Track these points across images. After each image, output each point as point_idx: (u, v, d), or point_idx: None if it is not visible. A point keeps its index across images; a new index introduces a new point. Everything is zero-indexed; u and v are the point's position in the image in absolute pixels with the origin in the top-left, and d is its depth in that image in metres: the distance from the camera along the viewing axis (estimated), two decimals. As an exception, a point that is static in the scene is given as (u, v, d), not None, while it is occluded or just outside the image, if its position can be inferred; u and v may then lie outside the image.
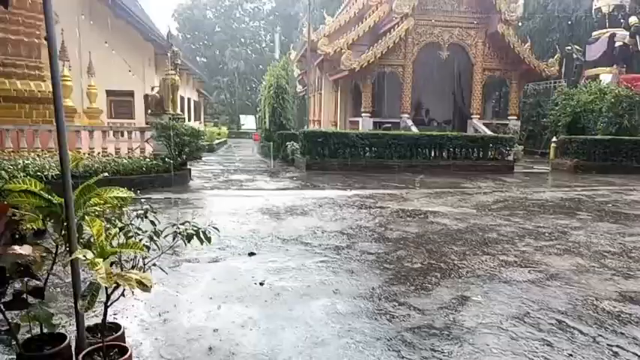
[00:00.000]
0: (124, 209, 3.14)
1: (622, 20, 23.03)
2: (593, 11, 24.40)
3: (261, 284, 4.05)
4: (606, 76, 22.03)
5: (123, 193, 3.39)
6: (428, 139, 13.98)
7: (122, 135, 10.58)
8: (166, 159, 9.58)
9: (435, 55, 20.26)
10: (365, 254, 5.09)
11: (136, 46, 18.26)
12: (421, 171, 13.21)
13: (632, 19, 22.65)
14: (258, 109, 49.39)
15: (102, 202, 3.26)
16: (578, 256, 5.20)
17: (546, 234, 6.27)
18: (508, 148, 14.40)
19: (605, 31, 23.18)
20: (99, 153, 9.93)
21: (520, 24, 23.84)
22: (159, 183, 9.11)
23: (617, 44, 22.38)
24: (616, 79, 21.57)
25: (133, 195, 3.33)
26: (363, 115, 20.27)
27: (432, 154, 14.15)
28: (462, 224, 6.82)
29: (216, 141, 25.05)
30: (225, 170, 13.38)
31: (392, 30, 19.60)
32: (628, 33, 22.36)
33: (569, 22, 28.50)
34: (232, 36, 57.35)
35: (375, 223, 6.74)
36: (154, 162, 9.44)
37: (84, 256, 2.16)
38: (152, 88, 12.16)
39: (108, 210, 3.21)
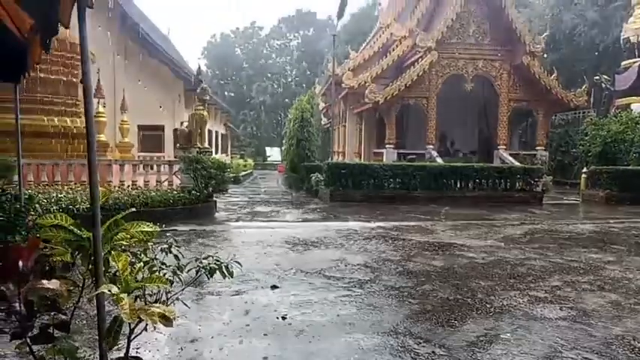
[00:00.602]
0: (149, 243, 3.22)
1: (651, 49, 22.66)
2: (621, 41, 24.11)
3: (284, 318, 4.02)
4: (637, 106, 21.55)
5: (149, 227, 3.48)
6: (453, 170, 13.86)
7: (151, 168, 10.89)
8: (193, 191, 9.77)
9: (459, 87, 20.29)
10: (389, 289, 5.01)
11: (167, 82, 19.02)
12: (446, 202, 13.02)
13: (662, 48, 22.29)
14: (283, 141, 50.30)
15: (128, 236, 3.36)
16: (612, 292, 4.99)
17: (579, 268, 6.05)
18: (536, 179, 14.10)
19: (634, 60, 22.83)
20: (129, 186, 10.22)
21: (545, 55, 23.72)
22: (185, 215, 9.27)
23: (647, 73, 21.94)
24: (648, 108, 21.07)
25: (158, 229, 3.41)
26: (387, 146, 20.29)
27: (458, 185, 13.98)
28: (489, 258, 6.66)
29: (242, 173, 25.43)
30: (250, 202, 13.53)
31: (416, 63, 19.81)
32: (659, 62, 21.95)
33: (597, 52, 28.23)
34: (259, 71, 59.01)
35: (400, 256, 6.65)
36: (181, 194, 9.65)
37: (109, 290, 2.21)
38: (181, 123, 12.57)
39: (134, 244, 3.30)
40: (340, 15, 15.72)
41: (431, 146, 20.23)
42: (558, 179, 20.68)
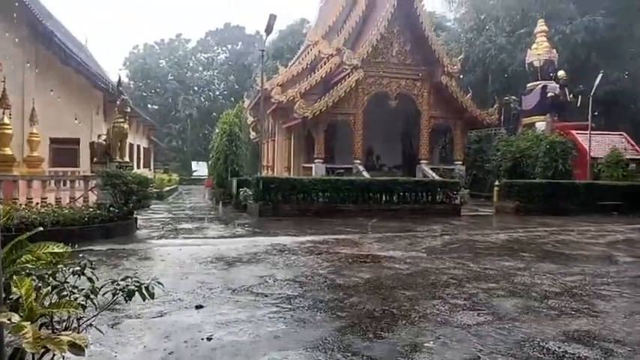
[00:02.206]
0: (59, 265, 2.97)
1: (552, 74, 25.09)
2: (526, 65, 26.47)
3: (209, 339, 3.87)
4: (541, 124, 23.70)
5: (58, 248, 3.21)
6: (379, 184, 14.31)
7: (64, 184, 10.12)
8: (111, 208, 9.21)
9: (384, 104, 21.14)
10: (318, 302, 5.01)
11: (85, 93, 17.90)
12: (373, 215, 13.39)
13: (561, 73, 24.79)
14: (210, 155, 49.16)
15: (34, 258, 3.07)
16: (523, 297, 5.36)
17: (494, 276, 6.44)
18: (455, 192, 14.94)
19: (537, 83, 25.14)
20: (37, 203, 9.40)
21: (461, 76, 25.40)
22: (103, 234, 8.68)
23: (549, 95, 24.24)
24: (550, 127, 23.23)
25: (69, 250, 3.15)
26: (316, 161, 20.56)
27: (384, 198, 14.44)
28: (413, 268, 6.91)
29: (166, 188, 24.44)
30: (175, 218, 13.01)
31: (343, 80, 20.36)
32: (558, 85, 24.35)
33: (506, 75, 30.74)
34: (185, 84, 57.51)
35: (328, 270, 6.69)
36: (98, 212, 9.04)
37: (9, 319, 1.99)
38: (99, 136, 11.85)
39: (41, 267, 3.03)
40: (269, 31, 15.77)
41: (358, 161, 20.79)
42: (474, 192, 22.05)
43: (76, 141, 17.82)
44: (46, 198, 9.79)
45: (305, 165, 22.42)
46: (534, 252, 8.31)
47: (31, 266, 3.00)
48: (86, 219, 8.58)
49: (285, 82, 22.84)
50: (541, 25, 26.62)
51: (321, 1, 32.75)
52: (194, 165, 50.78)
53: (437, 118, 21.94)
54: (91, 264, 2.99)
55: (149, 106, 55.42)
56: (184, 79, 58.33)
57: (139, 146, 27.37)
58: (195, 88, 58.90)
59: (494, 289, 5.73)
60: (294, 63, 28.00)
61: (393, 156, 23.91)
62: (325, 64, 22.21)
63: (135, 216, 9.91)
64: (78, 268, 2.86)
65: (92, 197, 10.07)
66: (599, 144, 20.50)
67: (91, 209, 9.10)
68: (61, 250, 3.13)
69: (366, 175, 18.69)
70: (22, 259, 3.03)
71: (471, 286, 5.83)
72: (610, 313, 4.75)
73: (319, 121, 20.52)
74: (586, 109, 23.17)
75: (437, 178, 18.36)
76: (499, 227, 12.25)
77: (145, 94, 57.03)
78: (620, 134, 23.03)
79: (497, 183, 16.32)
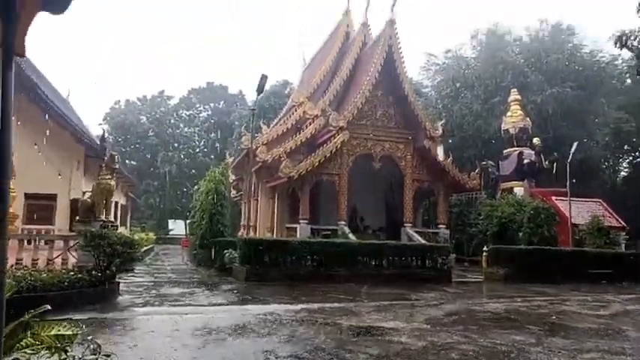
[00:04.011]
0: (68, 352, 2.57)
1: (526, 141, 26.07)
2: (502, 132, 27.49)
3: None
4: (519, 190, 24.24)
5: (65, 329, 2.80)
6: (370, 248, 14.04)
7: (46, 243, 9.48)
8: (93, 272, 8.59)
9: (368, 165, 21.32)
10: (332, 387, 4.56)
11: (65, 148, 17.42)
12: (364, 280, 12.96)
13: (535, 140, 25.79)
14: (188, 213, 48.13)
15: (37, 342, 2.66)
16: (547, 378, 5.03)
17: (507, 353, 6.10)
18: (445, 257, 14.76)
19: (514, 149, 26.01)
20: (12, 265, 8.70)
21: (441, 139, 26.08)
22: (83, 300, 8.01)
23: (525, 161, 25.03)
24: (528, 193, 23.77)
25: (79, 331, 2.77)
26: (300, 221, 20.23)
27: (374, 262, 14.09)
28: (420, 342, 6.51)
29: (144, 247, 23.46)
30: (157, 282, 12.26)
31: (328, 141, 20.55)
32: (533, 152, 25.22)
33: (482, 141, 31.79)
34: (166, 140, 57.38)
35: (332, 345, 6.23)
36: (79, 275, 8.40)
37: None
38: (84, 193, 11.34)
39: (45, 353, 2.63)
40: (260, 90, 15.96)
41: (343, 222, 20.56)
42: (458, 256, 21.95)
43: (53, 197, 17.11)
44: (22, 259, 9.10)
45: (289, 225, 22.02)
46: (540, 325, 8.03)
47: (30, 352, 2.60)
48: (66, 283, 7.94)
49: (270, 142, 22.93)
50: (514, 95, 28.00)
51: (303, 66, 33.97)
52: (171, 223, 49.57)
53: (420, 181, 22.17)
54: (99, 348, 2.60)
55: (127, 161, 54.70)
56: (165, 135, 58.27)
57: (116, 203, 26.55)
58: (176, 145, 58.74)
59: (513, 368, 5.39)
60: (277, 123, 28.32)
61: (377, 218, 23.81)
62: (310, 124, 22.49)
63: (117, 280, 9.27)
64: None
65: (72, 259, 9.42)
66: (578, 210, 20.95)
67: (72, 273, 8.45)
68: (70, 333, 2.73)
69: (351, 237, 18.41)
70: (22, 343, 2.62)
71: (488, 366, 5.47)
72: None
73: (304, 181, 20.43)
74: (561, 176, 23.94)
75: (424, 242, 18.21)
76: (494, 296, 11.97)
77: (124, 149, 56.46)
78: (597, 201, 23.68)
79: (485, 248, 16.25)
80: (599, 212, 21.15)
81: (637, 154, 43.40)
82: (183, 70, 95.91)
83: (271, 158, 21.31)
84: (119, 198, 28.10)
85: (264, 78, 15.34)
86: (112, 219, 11.62)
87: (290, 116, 24.97)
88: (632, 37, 15.45)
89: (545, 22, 35.66)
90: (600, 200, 23.94)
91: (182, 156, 58.01)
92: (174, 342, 6.12)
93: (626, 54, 34.30)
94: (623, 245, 20.66)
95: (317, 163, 20.07)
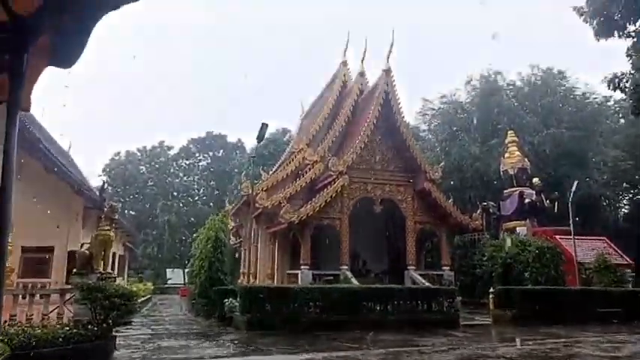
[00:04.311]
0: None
1: (526, 181, 26.13)
2: (501, 172, 27.61)
3: None
4: (521, 229, 24.03)
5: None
6: (374, 293, 13.68)
7: (41, 297, 9.21)
8: (89, 326, 8.29)
9: (369, 209, 21.22)
10: None
11: (65, 199, 17.32)
12: (369, 326, 12.51)
13: (535, 180, 25.85)
14: (187, 262, 47.45)
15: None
16: None
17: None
18: (451, 300, 14.38)
19: (514, 189, 26.01)
20: (6, 322, 8.41)
21: (441, 182, 26.14)
22: (78, 356, 7.65)
23: (526, 200, 24.95)
24: (530, 232, 23.55)
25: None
26: (302, 267, 19.87)
27: (378, 307, 13.69)
28: (432, 392, 6.20)
29: (142, 298, 22.92)
30: (155, 335, 11.85)
31: (328, 186, 20.55)
32: (534, 191, 25.21)
33: (482, 181, 31.88)
34: (165, 190, 57.51)
35: (339, 397, 5.93)
36: (74, 330, 8.10)
37: None
38: (81, 245, 11.18)
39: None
40: (261, 138, 16.14)
41: (345, 266, 20.20)
42: (463, 299, 21.40)
43: (50, 249, 16.84)
44: (15, 315, 8.82)
45: (290, 272, 21.63)
46: (556, 369, 7.70)
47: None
48: (61, 339, 7.63)
49: (270, 188, 22.94)
50: (511, 136, 28.33)
51: (301, 114, 34.71)
52: (169, 272, 48.79)
53: (422, 223, 21.98)
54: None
55: (126, 212, 54.55)
56: (164, 184, 58.47)
57: (114, 254, 26.18)
58: (175, 194, 58.82)
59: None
60: (276, 170, 28.48)
61: (379, 261, 23.44)
62: (310, 170, 22.60)
63: (114, 334, 8.94)
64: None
65: (67, 313, 9.13)
66: (582, 249, 20.66)
67: (67, 328, 8.15)
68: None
69: (354, 281, 18.01)
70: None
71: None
72: None
73: (305, 226, 20.25)
74: (561, 215, 23.82)
75: (428, 284, 17.81)
76: (505, 339, 11.57)
77: (123, 200, 56.48)
78: (601, 239, 23.42)
79: (492, 290, 15.85)
80: (604, 250, 20.87)
81: (636, 191, 43.51)
82: (183, 121, 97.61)
83: (271, 204, 21.23)
84: (117, 249, 27.75)
85: (264, 126, 15.55)
86: (110, 270, 11.37)
87: (289, 163, 25.12)
88: (624, 80, 15.81)
89: (536, 67, 36.73)
90: (605, 238, 23.69)
91: (181, 204, 57.95)
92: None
93: (617, 95, 35.23)
94: (630, 283, 20.25)
95: (318, 208, 19.97)
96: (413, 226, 21.69)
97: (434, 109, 38.78)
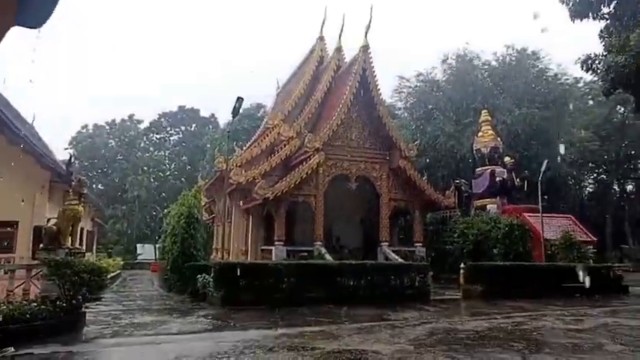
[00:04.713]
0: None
1: (498, 159, 26.62)
2: (474, 151, 28.03)
3: None
4: (492, 207, 24.59)
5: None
6: (349, 268, 13.78)
7: (4, 273, 8.87)
8: (58, 302, 8.06)
9: (344, 186, 21.24)
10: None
11: (29, 173, 16.59)
12: (343, 301, 12.62)
13: (507, 159, 26.38)
14: (158, 237, 46.78)
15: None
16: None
17: (495, 372, 5.96)
18: (423, 275, 14.65)
19: (486, 168, 26.48)
20: (-31, 298, 8.10)
21: (415, 159, 26.35)
22: (47, 332, 7.45)
23: (497, 179, 25.47)
24: (500, 209, 24.14)
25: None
26: (276, 243, 19.86)
27: (352, 282, 13.82)
28: (406, 366, 6.30)
29: (111, 274, 22.51)
30: (127, 310, 11.66)
31: (304, 162, 20.41)
32: (505, 170, 25.74)
33: (455, 160, 32.34)
34: (134, 164, 56.21)
35: (315, 372, 5.96)
36: (42, 306, 7.86)
37: None
38: (48, 220, 10.77)
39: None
40: (236, 113, 15.77)
41: (319, 243, 20.29)
42: (434, 274, 21.89)
43: (14, 224, 16.20)
44: (-22, 291, 8.49)
45: (264, 247, 21.60)
46: (523, 341, 7.94)
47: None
48: (28, 315, 7.39)
49: (244, 164, 22.64)
50: (485, 116, 28.68)
51: (277, 89, 34.18)
52: (139, 248, 48.05)
53: (396, 200, 22.19)
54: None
55: (94, 186, 53.13)
56: (134, 159, 57.11)
57: (82, 229, 25.52)
58: (145, 168, 57.58)
59: (502, 389, 5.23)
60: (250, 145, 28.09)
61: (353, 237, 23.63)
62: (285, 146, 22.37)
63: (84, 310, 8.72)
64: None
65: (34, 289, 8.83)
66: (549, 226, 21.33)
67: (34, 304, 7.90)
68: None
69: (328, 257, 18.15)
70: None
71: (477, 387, 5.30)
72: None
73: (280, 203, 20.16)
74: (532, 193, 24.44)
75: (401, 260, 18.09)
76: (475, 313, 11.88)
77: (90, 174, 54.94)
78: (567, 217, 24.23)
79: (462, 265, 16.22)
80: (569, 227, 21.61)
81: (600, 171, 45.15)
82: (154, 95, 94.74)
83: (246, 180, 21.00)
84: (86, 224, 27.06)
85: (240, 100, 15.18)
86: (79, 246, 11.03)
87: (264, 138, 24.79)
88: (597, 61, 16.07)
89: (511, 47, 37.06)
90: (570, 216, 24.52)
91: (152, 180, 56.86)
92: (147, 375, 5.73)
93: (587, 77, 36.04)
94: (592, 259, 21.09)
95: (293, 184, 19.85)
96: (387, 203, 21.88)
97: (410, 87, 38.84)
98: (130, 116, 61.10)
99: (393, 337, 8.37)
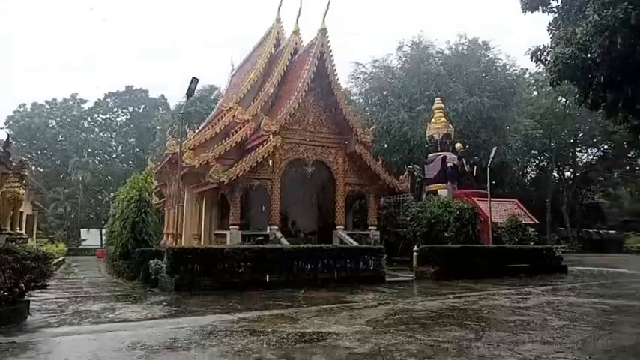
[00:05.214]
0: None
1: (450, 146, 27.42)
2: (427, 137, 28.69)
3: None
4: (443, 192, 25.37)
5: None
6: (306, 252, 13.80)
7: None
8: (-3, 291, 7.52)
9: (301, 170, 21.15)
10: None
11: (-39, 152, 15.37)
12: (300, 285, 12.69)
13: (458, 146, 27.21)
14: (104, 223, 44.89)
15: None
16: (494, 372, 5.09)
17: (451, 349, 6.15)
18: (378, 258, 14.92)
19: (438, 154, 27.23)
20: None
21: (371, 144, 26.64)
22: (-15, 323, 6.96)
23: (448, 165, 26.26)
24: (451, 195, 24.94)
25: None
26: (230, 227, 19.54)
27: (309, 266, 13.87)
28: (366, 345, 6.38)
29: (55, 260, 21.38)
30: (74, 298, 11.10)
31: (260, 146, 20.08)
32: (456, 157, 26.56)
33: (409, 146, 32.99)
34: (78, 146, 53.38)
35: (277, 355, 5.90)
36: (-20, 296, 7.31)
37: None
38: (-15, 203, 9.96)
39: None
40: (190, 94, 15.18)
41: (275, 227, 20.17)
42: (387, 257, 22.39)
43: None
44: None
45: (218, 232, 21.22)
46: (475, 319, 8.27)
47: None
48: (-37, 306, 6.86)
49: (197, 147, 21.99)
50: (438, 103, 29.41)
51: (231, 71, 33.30)
52: (84, 233, 46.00)
53: (351, 185, 22.36)
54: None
55: (34, 168, 50.05)
56: (77, 140, 54.16)
57: (21, 213, 24.01)
58: (90, 150, 54.84)
59: (460, 365, 5.41)
60: (203, 128, 27.32)
61: (308, 222, 23.68)
62: (240, 129, 21.91)
63: (27, 299, 8.20)
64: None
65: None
66: (496, 210, 22.31)
67: (-29, 293, 7.33)
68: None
69: (284, 241, 18.08)
70: None
71: (436, 364, 5.45)
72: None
73: (235, 187, 19.80)
74: (481, 178, 25.42)
75: (356, 244, 18.31)
76: (428, 293, 12.26)
77: (29, 155, 51.66)
78: (512, 201, 25.42)
79: (415, 248, 16.69)
80: (514, 211, 22.70)
81: (542, 158, 47.71)
82: (100, 75, 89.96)
83: (199, 164, 20.42)
84: (25, 208, 25.49)
85: (194, 81, 14.62)
86: (22, 232, 10.32)
87: (218, 121, 24.15)
88: (546, 53, 16.67)
89: (464, 37, 38.13)
90: (515, 200, 25.74)
91: (97, 162, 54.31)
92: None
93: (533, 68, 37.69)
94: (533, 241, 22.33)
95: (248, 168, 19.52)
96: (343, 187, 22.01)
97: (366, 73, 39.02)
98: (73, 95, 57.76)
99: (352, 318, 8.47)
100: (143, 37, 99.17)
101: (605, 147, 46.02)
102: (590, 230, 47.14)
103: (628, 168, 46.63)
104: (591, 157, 48.12)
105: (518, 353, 5.91)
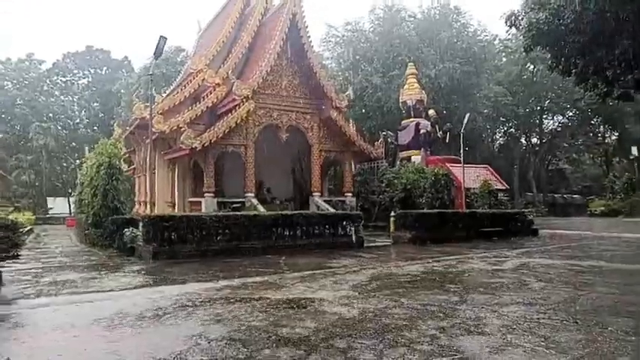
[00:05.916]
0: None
1: (423, 112, 27.51)
2: (400, 103, 28.67)
3: None
4: (416, 158, 25.64)
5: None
6: (284, 219, 13.74)
7: None
8: (-34, 262, 7.14)
9: (275, 136, 20.84)
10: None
11: None
12: (280, 252, 12.71)
13: (431, 112, 27.34)
14: (70, 191, 43.48)
15: None
16: (482, 334, 5.19)
17: (437, 312, 6.26)
18: (357, 224, 15.03)
19: (411, 120, 27.33)
20: None
21: (346, 110, 26.44)
22: (-45, 297, 6.62)
23: (421, 131, 26.44)
24: (424, 160, 25.24)
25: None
26: (205, 195, 19.26)
27: (288, 233, 13.86)
28: (354, 311, 6.42)
29: (24, 230, 20.61)
30: (48, 268, 10.72)
31: (232, 111, 19.60)
32: (429, 123, 26.72)
33: (382, 112, 32.96)
34: (38, 110, 50.82)
35: (265, 321, 5.85)
36: (-53, 268, 6.92)
37: None
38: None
39: None
40: (159, 54, 14.47)
41: (250, 194, 20.02)
42: (363, 223, 22.66)
43: None
44: None
45: (192, 199, 20.89)
46: (457, 283, 8.46)
47: None
48: None
49: (166, 111, 21.27)
50: (411, 68, 29.26)
51: (198, 32, 31.95)
52: (50, 202, 44.49)
53: (327, 151, 22.28)
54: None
55: (-9, 133, 47.67)
56: (37, 104, 51.52)
57: (-19, 181, 22.88)
58: (51, 115, 52.37)
59: (448, 327, 5.50)
60: (172, 92, 26.39)
61: (284, 189, 23.60)
62: (211, 93, 21.26)
63: (-1, 270, 7.85)
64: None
65: None
66: (468, 176, 22.75)
67: (-63, 266, 6.92)
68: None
69: (261, 208, 17.98)
70: None
71: (424, 327, 5.52)
72: (574, 344, 4.79)
73: (208, 153, 19.39)
74: (453, 144, 25.75)
75: (332, 210, 18.39)
76: (408, 258, 12.47)
77: (-16, 120, 49.08)
78: (484, 167, 25.96)
79: (392, 214, 16.89)
80: (486, 176, 23.21)
81: (510, 124, 48.69)
82: (56, 33, 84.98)
83: (169, 129, 19.84)
84: (-15, 176, 24.30)
85: (163, 40, 13.91)
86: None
87: (187, 85, 23.32)
88: (520, 17, 16.64)
89: (436, 0, 37.72)
90: (487, 166, 26.30)
91: (59, 127, 52.03)
92: (82, 335, 5.28)
93: (503, 34, 37.81)
94: (505, 206, 23.00)
95: (221, 134, 19.10)
96: (318, 153, 21.90)
97: (338, 37, 38.36)
98: (29, 55, 54.53)
99: (336, 283, 8.52)
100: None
101: (570, 114, 47.32)
102: (556, 195, 49.06)
103: (592, 135, 48.28)
104: (557, 124, 49.51)
105: (504, 315, 6.06)
